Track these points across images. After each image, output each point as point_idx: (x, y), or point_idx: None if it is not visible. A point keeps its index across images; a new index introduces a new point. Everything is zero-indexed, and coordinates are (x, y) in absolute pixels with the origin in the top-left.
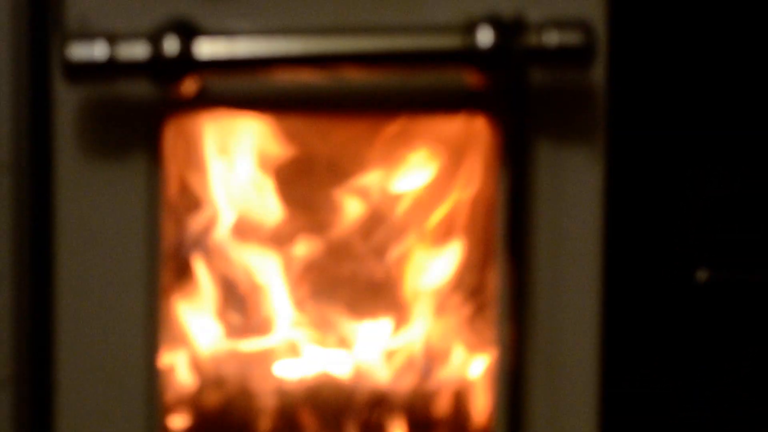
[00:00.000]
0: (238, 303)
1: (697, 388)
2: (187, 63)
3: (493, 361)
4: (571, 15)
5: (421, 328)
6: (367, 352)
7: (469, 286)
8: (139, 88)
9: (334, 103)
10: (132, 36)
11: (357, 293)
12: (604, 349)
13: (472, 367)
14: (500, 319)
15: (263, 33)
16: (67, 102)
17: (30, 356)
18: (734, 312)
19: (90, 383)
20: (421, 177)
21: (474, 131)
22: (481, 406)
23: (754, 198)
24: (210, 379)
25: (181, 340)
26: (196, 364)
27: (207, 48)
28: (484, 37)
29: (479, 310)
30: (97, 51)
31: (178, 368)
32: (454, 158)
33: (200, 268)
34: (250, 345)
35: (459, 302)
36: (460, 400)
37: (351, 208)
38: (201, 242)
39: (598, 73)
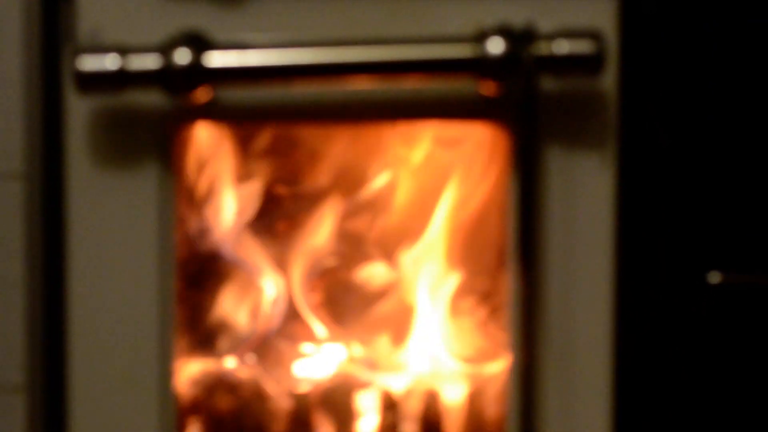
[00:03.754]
0: (251, 308)
1: (709, 390)
2: (197, 73)
3: (506, 364)
4: (582, 24)
5: (433, 332)
6: (379, 355)
7: (482, 290)
8: (151, 99)
9: (346, 112)
10: (143, 48)
11: (370, 298)
12: (617, 352)
13: (485, 371)
14: (513, 323)
15: (275, 45)
16: (79, 112)
17: (43, 363)
18: (747, 314)
19: (103, 390)
20: (433, 183)
21: (486, 138)
22: (494, 409)
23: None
24: (224, 383)
25: (194, 345)
26: (210, 370)
27: (218, 59)
28: (495, 46)
29: (492, 314)
30: (108, 62)
31: (192, 374)
32: (466, 164)
33: (213, 274)
34: (265, 348)
35: (471, 306)
36: (473, 403)
37: (362, 214)
38: (213, 249)
39: (609, 80)
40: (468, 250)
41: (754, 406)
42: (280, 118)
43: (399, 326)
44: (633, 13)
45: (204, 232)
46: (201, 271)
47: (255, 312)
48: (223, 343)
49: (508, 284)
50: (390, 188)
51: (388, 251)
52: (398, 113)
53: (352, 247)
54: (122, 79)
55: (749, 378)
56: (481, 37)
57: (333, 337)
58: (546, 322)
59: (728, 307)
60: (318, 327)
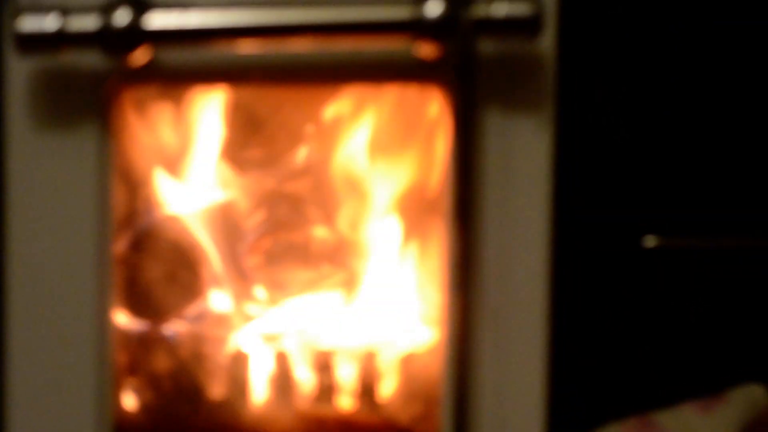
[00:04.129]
0: (191, 270)
1: (646, 353)
2: (137, 34)
3: (441, 325)
4: None
5: (370, 292)
6: (317, 317)
7: (418, 251)
8: (91, 60)
9: (286, 73)
10: (83, 8)
11: (308, 259)
12: (552, 316)
13: (421, 333)
14: (448, 284)
15: (214, 5)
16: (19, 73)
17: None
18: (684, 278)
19: (40, 351)
20: (372, 145)
21: (424, 99)
22: (430, 372)
23: (703, 165)
24: (162, 345)
25: (132, 306)
26: (149, 330)
27: (158, 19)
28: (433, 8)
29: (427, 275)
30: (48, 23)
31: (131, 335)
32: (404, 126)
33: (152, 236)
34: (203, 310)
35: (407, 267)
36: (409, 364)
37: (302, 175)
38: (152, 211)
39: (547, 42)
40: (406, 211)
41: (689, 369)
42: (219, 80)
43: (338, 288)
44: None
45: (143, 194)
46: (140, 233)
47: (194, 274)
48: (161, 304)
49: (445, 245)
50: (328, 150)
51: (328, 213)
52: (338, 75)
53: (291, 209)
54: (62, 39)
55: (684, 341)
56: None
57: (272, 300)
58: (481, 283)
59: (664, 271)
60: (257, 289)
